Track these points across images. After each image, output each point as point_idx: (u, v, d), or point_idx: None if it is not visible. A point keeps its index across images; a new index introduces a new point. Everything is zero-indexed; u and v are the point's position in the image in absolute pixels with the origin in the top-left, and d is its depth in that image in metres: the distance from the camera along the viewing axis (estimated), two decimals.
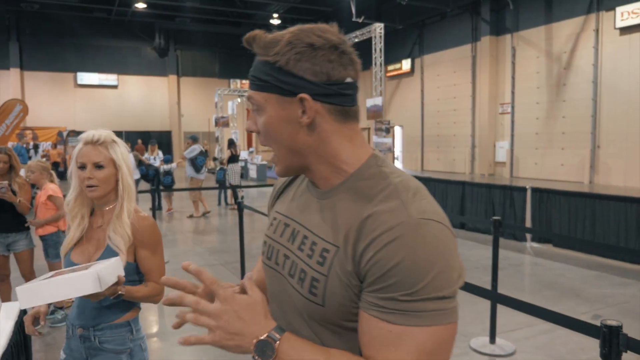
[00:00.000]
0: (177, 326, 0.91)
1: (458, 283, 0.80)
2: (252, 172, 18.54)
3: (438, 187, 9.31)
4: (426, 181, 9.65)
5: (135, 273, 1.80)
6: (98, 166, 1.75)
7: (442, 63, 19.38)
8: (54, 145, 19.78)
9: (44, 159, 14.69)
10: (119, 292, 1.62)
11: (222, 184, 11.60)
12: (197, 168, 10.29)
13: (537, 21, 15.44)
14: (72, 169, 1.79)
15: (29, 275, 4.32)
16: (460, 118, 18.62)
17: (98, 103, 24.68)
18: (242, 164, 18.36)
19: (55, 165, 16.62)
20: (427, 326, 0.77)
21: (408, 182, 0.85)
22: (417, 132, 20.87)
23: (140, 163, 10.87)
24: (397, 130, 21.91)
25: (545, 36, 15.19)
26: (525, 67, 15.98)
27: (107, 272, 1.54)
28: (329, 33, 0.87)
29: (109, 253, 1.73)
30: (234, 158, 11.61)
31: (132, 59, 25.31)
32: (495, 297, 3.30)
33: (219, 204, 11.98)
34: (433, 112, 19.98)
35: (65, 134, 21.42)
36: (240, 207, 5.06)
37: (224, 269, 6.22)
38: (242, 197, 12.15)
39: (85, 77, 24.41)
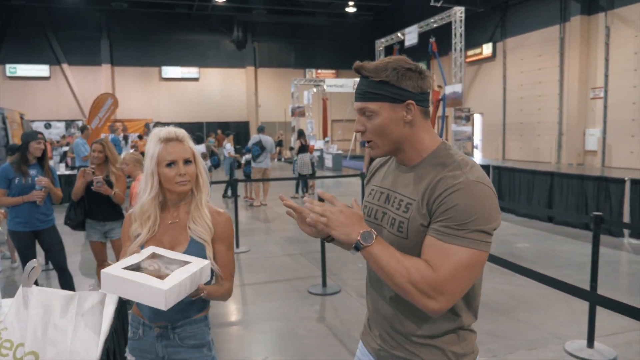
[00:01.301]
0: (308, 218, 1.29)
1: (493, 225, 1.22)
2: (328, 162, 18.59)
3: (523, 177, 8.81)
4: (510, 171, 9.17)
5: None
6: (188, 161, 1.73)
7: (526, 46, 18.32)
8: (140, 137, 20.94)
9: (132, 150, 15.60)
10: (200, 295, 1.63)
11: (302, 175, 11.77)
12: (253, 157, 10.68)
13: None
14: (150, 169, 1.73)
15: None
16: (546, 104, 17.54)
17: (181, 95, 25.82)
18: (318, 153, 18.47)
19: (143, 155, 17.58)
20: (466, 247, 1.19)
21: (466, 160, 1.30)
22: (498, 119, 19.95)
23: (212, 153, 11.34)
24: (477, 118, 21.07)
25: None
26: (621, 48, 14.71)
27: (192, 279, 1.56)
28: (411, 62, 1.32)
29: (195, 245, 1.72)
30: (303, 148, 11.77)
31: (212, 52, 26.18)
32: (595, 299, 3.05)
33: (297, 191, 12.13)
34: (516, 98, 18.98)
35: (151, 125, 22.64)
36: (320, 199, 5.05)
37: (303, 259, 6.28)
38: (308, 188, 12.30)
39: (169, 71, 25.60)
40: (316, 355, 3.66)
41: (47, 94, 23.76)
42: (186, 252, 1.70)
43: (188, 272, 1.55)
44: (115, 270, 1.53)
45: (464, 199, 1.20)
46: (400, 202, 1.33)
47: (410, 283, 1.20)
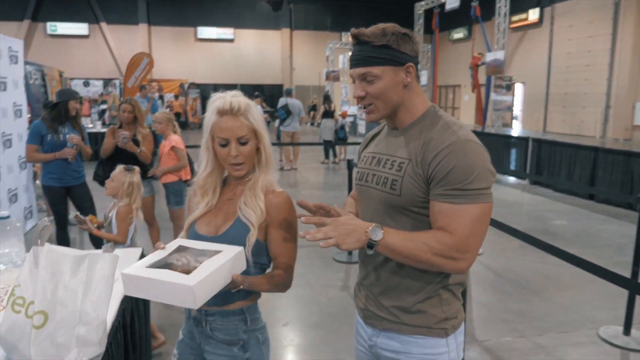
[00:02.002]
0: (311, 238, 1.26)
1: (492, 179, 1.30)
2: (361, 128, 18.31)
3: (565, 151, 8.42)
4: (551, 145, 8.78)
5: (265, 255, 1.61)
6: (242, 142, 1.54)
7: (576, 12, 17.31)
8: (176, 97, 21.10)
9: (167, 110, 15.73)
10: (240, 286, 1.45)
11: (326, 141, 11.67)
12: (280, 121, 10.57)
13: None
14: (205, 141, 1.58)
15: (150, 220, 4.62)
16: (594, 74, 16.66)
17: (216, 56, 25.75)
18: (352, 119, 18.20)
19: (177, 115, 17.75)
20: (475, 203, 1.26)
21: (454, 120, 1.37)
22: (541, 89, 19.12)
23: None
24: (518, 88, 20.27)
25: None
26: None
27: (224, 270, 1.40)
28: (404, 28, 1.37)
29: (239, 225, 1.56)
30: (327, 114, 11.61)
31: (248, 13, 25.84)
32: (635, 287, 2.86)
33: (326, 156, 12.03)
34: (561, 67, 18.09)
35: (186, 86, 22.76)
36: (349, 166, 4.95)
37: None
38: (337, 154, 12.18)
39: (205, 32, 25.48)
40: (337, 324, 3.61)
41: (86, 52, 24.09)
42: (229, 231, 1.56)
43: (218, 262, 1.39)
44: (135, 270, 1.38)
45: (459, 159, 1.26)
46: (393, 162, 1.39)
47: (434, 255, 1.25)
